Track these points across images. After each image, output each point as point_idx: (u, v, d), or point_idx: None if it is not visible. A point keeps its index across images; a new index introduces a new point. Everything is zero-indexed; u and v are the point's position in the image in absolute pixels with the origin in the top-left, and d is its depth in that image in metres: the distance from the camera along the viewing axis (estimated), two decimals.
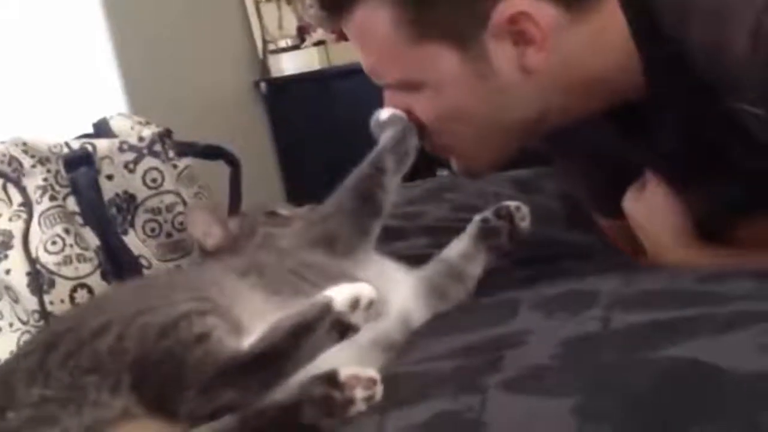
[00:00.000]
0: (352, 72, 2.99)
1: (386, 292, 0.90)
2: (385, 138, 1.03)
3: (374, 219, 1.00)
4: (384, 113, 1.05)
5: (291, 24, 3.11)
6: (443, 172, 2.05)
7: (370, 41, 1.02)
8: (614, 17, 0.97)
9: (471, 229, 1.06)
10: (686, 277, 0.88)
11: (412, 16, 0.96)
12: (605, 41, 0.97)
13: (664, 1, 0.93)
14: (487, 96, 0.99)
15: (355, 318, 0.70)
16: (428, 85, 1.00)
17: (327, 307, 0.69)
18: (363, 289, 0.70)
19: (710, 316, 0.75)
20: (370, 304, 0.70)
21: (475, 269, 1.04)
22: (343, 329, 0.70)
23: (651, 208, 1.10)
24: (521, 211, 1.05)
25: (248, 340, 0.70)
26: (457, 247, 1.05)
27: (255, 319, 0.74)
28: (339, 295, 0.69)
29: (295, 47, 3.05)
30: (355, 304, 0.69)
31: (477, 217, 1.06)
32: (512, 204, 1.06)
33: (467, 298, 1.02)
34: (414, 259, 1.04)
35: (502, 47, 0.96)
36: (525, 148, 1.10)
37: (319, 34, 3.00)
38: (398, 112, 1.04)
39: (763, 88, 0.84)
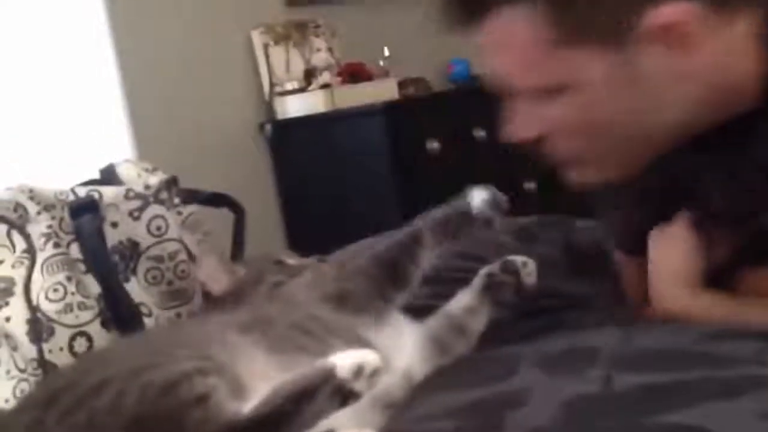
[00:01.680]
0: (356, 115, 3.04)
1: (390, 348, 0.90)
2: (434, 215, 1.03)
3: (398, 289, 1.00)
4: (483, 194, 1.04)
5: (298, 67, 3.13)
6: None
7: (509, 45, 0.99)
8: (753, 23, 0.96)
9: (476, 282, 1.05)
10: (688, 336, 0.88)
11: (560, 19, 0.94)
12: (746, 47, 0.97)
13: None
14: (632, 101, 0.98)
15: (359, 385, 0.68)
16: (571, 90, 0.98)
17: (330, 373, 0.68)
18: (367, 356, 0.69)
19: (711, 380, 0.74)
20: (375, 371, 0.69)
21: (479, 324, 1.03)
22: (345, 396, 0.68)
23: (668, 244, 1.09)
24: (528, 267, 1.05)
25: (249, 403, 0.69)
26: (461, 301, 1.04)
27: (257, 379, 0.74)
28: (343, 361, 0.68)
29: (302, 90, 3.07)
30: (359, 371, 0.68)
31: (483, 271, 1.05)
32: (519, 259, 1.05)
33: (469, 351, 1.02)
34: (415, 310, 1.03)
35: (654, 52, 0.94)
36: None
37: (325, 77, 3.01)
38: (498, 194, 1.03)
39: None
